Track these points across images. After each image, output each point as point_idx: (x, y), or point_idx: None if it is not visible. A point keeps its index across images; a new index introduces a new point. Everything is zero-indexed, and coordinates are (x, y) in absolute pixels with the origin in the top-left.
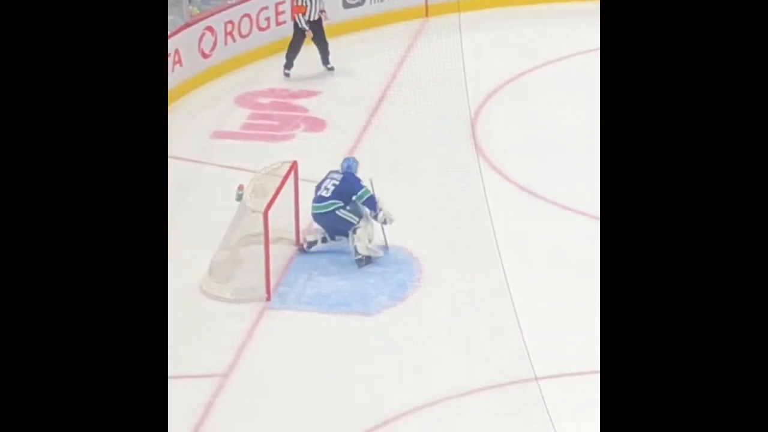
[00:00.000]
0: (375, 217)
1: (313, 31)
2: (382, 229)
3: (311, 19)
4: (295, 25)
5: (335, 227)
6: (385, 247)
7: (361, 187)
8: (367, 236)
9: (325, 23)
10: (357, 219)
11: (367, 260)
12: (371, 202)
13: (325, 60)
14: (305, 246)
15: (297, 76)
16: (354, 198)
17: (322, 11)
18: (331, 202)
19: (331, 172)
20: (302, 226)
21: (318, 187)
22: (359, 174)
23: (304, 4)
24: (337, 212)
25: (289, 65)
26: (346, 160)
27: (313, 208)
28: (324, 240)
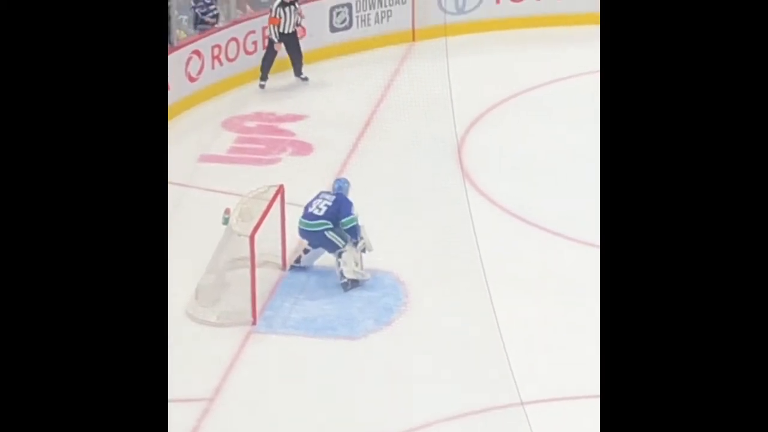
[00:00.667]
0: (355, 245)
1: (286, 44)
2: (360, 256)
3: (285, 32)
4: (268, 36)
5: (320, 246)
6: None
7: (350, 213)
8: (353, 260)
9: (302, 38)
10: (343, 243)
11: (354, 284)
12: (354, 231)
13: (297, 71)
14: (294, 263)
15: (283, 98)
16: (341, 222)
17: (297, 25)
18: (321, 221)
19: (323, 192)
20: (289, 249)
21: (309, 205)
22: (349, 195)
23: (278, 15)
24: (325, 233)
25: (263, 77)
26: (338, 180)
27: (302, 224)
28: (306, 251)
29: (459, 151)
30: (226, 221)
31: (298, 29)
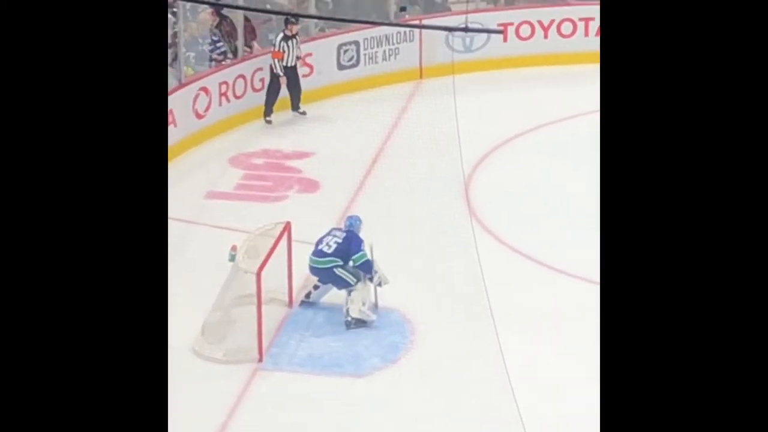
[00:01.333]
0: (370, 279)
1: (288, 77)
2: (375, 289)
3: (288, 65)
4: (271, 70)
5: (330, 283)
6: (375, 308)
7: (360, 249)
8: (361, 299)
9: (307, 75)
10: (354, 281)
11: (358, 323)
12: (367, 267)
13: (295, 105)
14: (303, 298)
15: (290, 135)
16: (352, 259)
17: (299, 57)
18: (330, 259)
19: (334, 228)
20: (295, 287)
21: (319, 242)
22: (361, 233)
23: (281, 49)
24: (335, 270)
25: (268, 112)
26: (350, 218)
27: (312, 261)
28: (316, 287)
29: (466, 189)
30: (232, 258)
31: (299, 62)
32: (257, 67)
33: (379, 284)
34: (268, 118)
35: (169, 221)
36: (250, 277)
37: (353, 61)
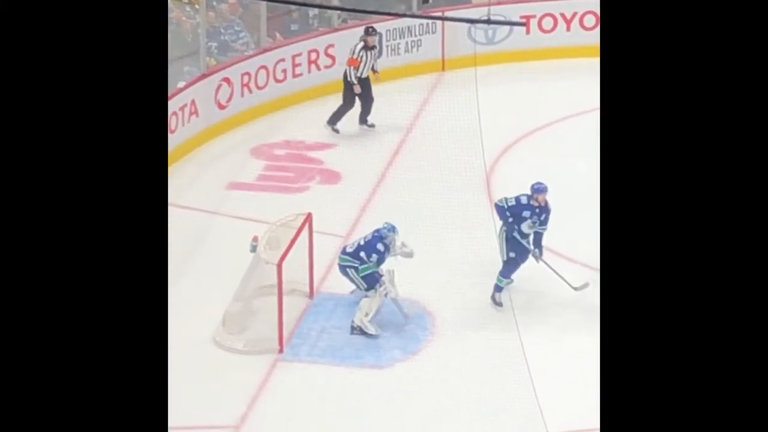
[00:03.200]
0: (375, 291)
1: (361, 87)
2: (396, 302)
3: (361, 76)
4: (345, 77)
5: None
6: (405, 317)
7: (368, 260)
8: (366, 308)
9: (374, 83)
10: (364, 286)
11: (358, 331)
12: (369, 279)
13: (363, 118)
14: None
15: (312, 127)
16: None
17: (374, 70)
18: (347, 258)
19: (376, 230)
20: (316, 278)
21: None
22: (394, 240)
23: (358, 57)
24: (348, 270)
25: (334, 120)
26: (386, 224)
27: (339, 258)
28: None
29: (488, 182)
30: (253, 249)
31: (372, 75)
32: (279, 58)
33: (385, 295)
34: (335, 127)
35: (192, 211)
36: (271, 268)
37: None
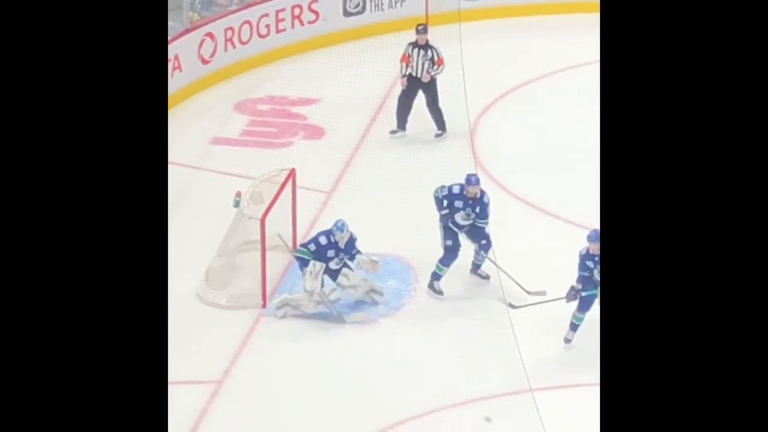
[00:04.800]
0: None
1: (422, 89)
2: (325, 300)
3: (416, 75)
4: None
5: None
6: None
7: (305, 248)
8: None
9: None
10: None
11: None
12: (299, 264)
13: (439, 126)
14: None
15: (296, 82)
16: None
17: (429, 72)
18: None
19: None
20: (299, 233)
21: None
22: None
23: (409, 54)
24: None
25: (399, 124)
26: (338, 221)
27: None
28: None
29: (471, 137)
30: (237, 204)
31: (428, 76)
32: (263, 13)
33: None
34: (392, 130)
35: (175, 167)
36: (255, 224)
37: (359, 8)
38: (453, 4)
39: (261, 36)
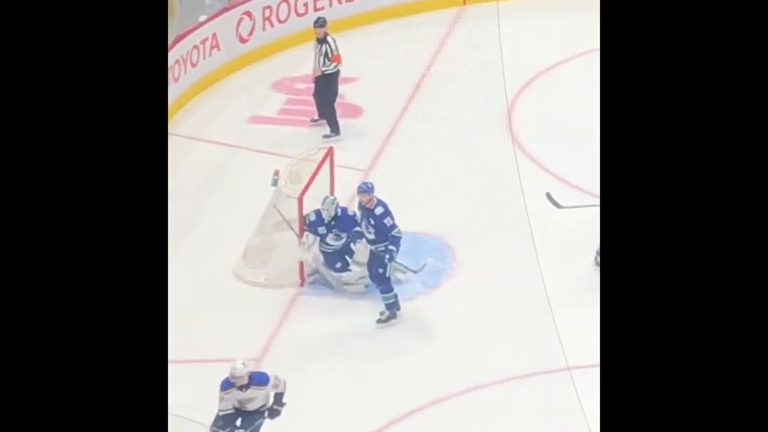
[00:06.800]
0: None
1: (320, 86)
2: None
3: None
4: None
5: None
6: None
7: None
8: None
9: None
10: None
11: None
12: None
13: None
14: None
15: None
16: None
17: (320, 68)
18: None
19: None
20: None
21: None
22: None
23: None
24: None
25: (319, 115)
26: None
27: None
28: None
29: (509, 116)
30: (275, 183)
31: (318, 71)
32: None
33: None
34: (313, 118)
35: (213, 145)
36: (292, 202)
37: None
38: None
39: (299, 14)
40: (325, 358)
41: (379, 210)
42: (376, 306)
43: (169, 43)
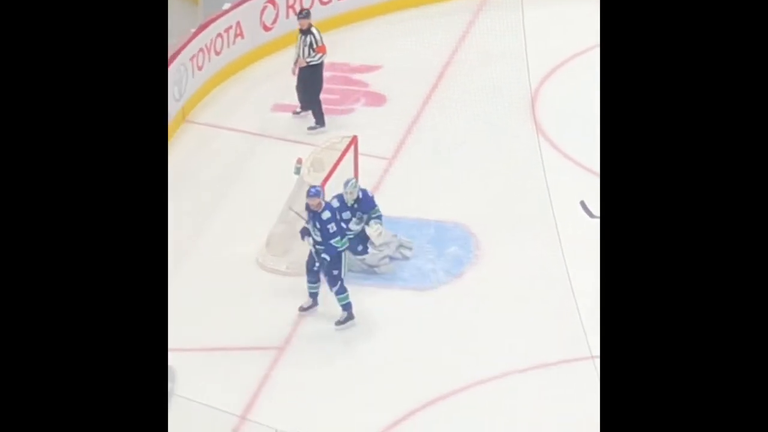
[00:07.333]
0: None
1: (305, 78)
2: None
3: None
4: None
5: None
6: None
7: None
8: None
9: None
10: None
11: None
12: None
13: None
14: None
15: (357, 49)
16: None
17: (305, 59)
18: None
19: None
20: None
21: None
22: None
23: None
24: None
25: (302, 107)
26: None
27: None
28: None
29: (533, 104)
30: (298, 171)
31: (302, 62)
32: None
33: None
34: (295, 110)
35: (237, 133)
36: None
37: None
38: None
39: (322, 3)
40: (349, 347)
41: (326, 215)
42: (399, 296)
43: (193, 31)
